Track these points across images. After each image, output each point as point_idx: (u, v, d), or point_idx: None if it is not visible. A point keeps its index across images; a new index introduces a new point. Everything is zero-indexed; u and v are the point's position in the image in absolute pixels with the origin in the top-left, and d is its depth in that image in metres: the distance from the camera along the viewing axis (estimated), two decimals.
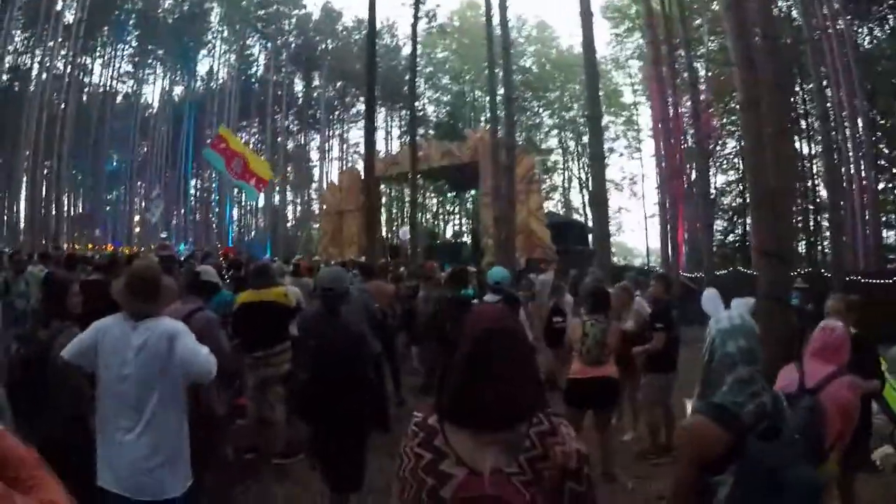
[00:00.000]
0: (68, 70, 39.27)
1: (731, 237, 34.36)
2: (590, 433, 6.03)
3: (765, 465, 2.12)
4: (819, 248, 30.45)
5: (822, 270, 19.60)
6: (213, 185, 50.09)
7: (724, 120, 33.46)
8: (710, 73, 31.94)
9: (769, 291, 7.57)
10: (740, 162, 31.86)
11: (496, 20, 20.58)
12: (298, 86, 56.18)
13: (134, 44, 48.61)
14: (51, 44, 36.99)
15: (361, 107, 52.81)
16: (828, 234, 27.45)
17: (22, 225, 38.04)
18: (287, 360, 6.51)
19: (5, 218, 40.23)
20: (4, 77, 32.56)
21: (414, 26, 24.60)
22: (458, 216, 52.17)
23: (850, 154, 25.26)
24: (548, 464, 1.68)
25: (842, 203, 23.60)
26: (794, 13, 27.97)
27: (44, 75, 36.27)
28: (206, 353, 3.45)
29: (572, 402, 6.05)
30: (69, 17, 38.91)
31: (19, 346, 4.23)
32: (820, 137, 26.48)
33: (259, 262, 8.84)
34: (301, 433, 6.69)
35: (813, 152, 30.36)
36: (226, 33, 52.32)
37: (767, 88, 8.89)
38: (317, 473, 5.63)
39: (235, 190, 36.71)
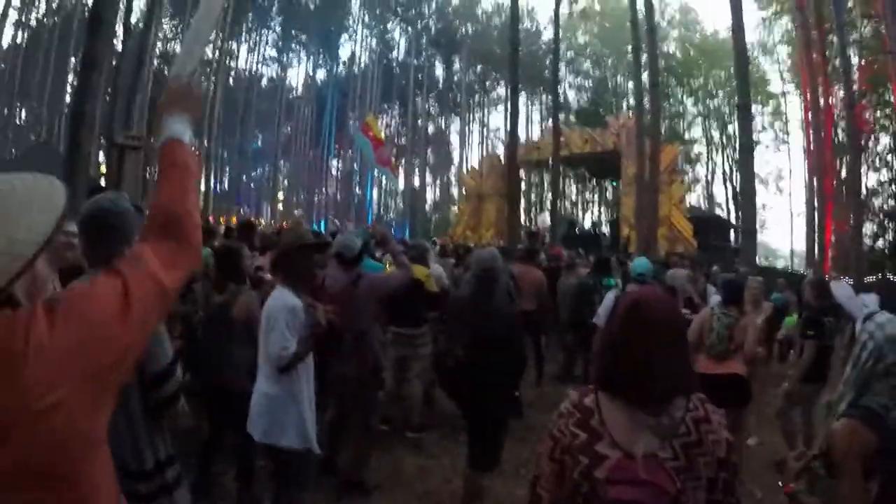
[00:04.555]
0: (216, 55, 41.10)
1: (880, 242, 31.84)
2: None
3: None
4: None
5: None
6: (355, 167, 51.34)
7: (878, 113, 30.94)
8: (863, 61, 29.68)
9: None
10: (895, 160, 29.53)
11: (639, 2, 20.07)
12: (439, 70, 56.64)
13: (278, 29, 50.45)
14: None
15: (502, 91, 52.84)
16: None
17: None
18: (428, 342, 6.65)
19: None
20: (156, 62, 34.31)
21: (556, 10, 24.36)
22: (597, 205, 51.21)
23: None
24: (702, 450, 1.72)
25: None
26: None
27: None
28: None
29: None
30: None
31: (196, 309, 4.67)
32: None
33: (415, 240, 9.02)
34: (437, 409, 6.87)
35: None
36: (367, 18, 53.43)
37: None
38: (448, 448, 5.74)
39: (375, 171, 37.66)
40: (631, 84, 36.60)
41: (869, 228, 29.58)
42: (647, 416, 1.74)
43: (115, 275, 1.25)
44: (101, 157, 18.11)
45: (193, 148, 1.66)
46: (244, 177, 50.23)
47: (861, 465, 2.16)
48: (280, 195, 50.43)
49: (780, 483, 5.78)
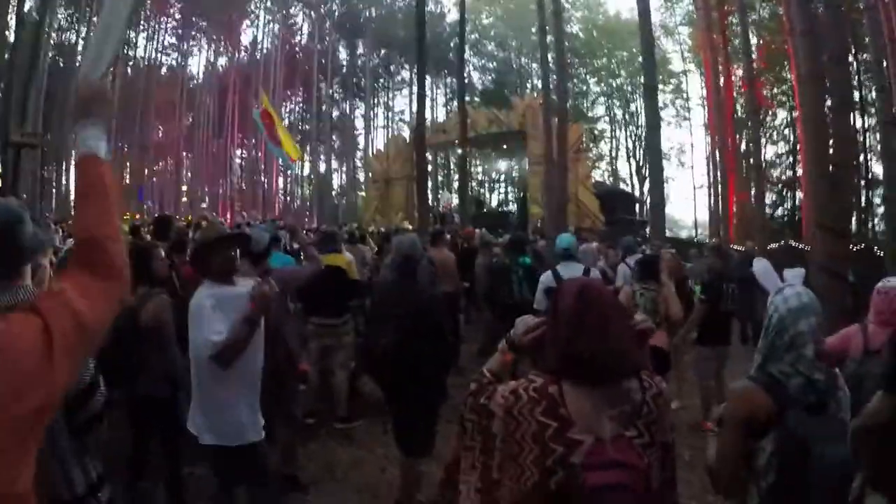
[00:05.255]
0: None
1: (780, 210, 33.55)
2: None
3: (800, 437, 2.16)
4: (870, 224, 29.52)
5: (875, 247, 18.98)
6: (258, 155, 50.26)
7: (775, 90, 32.48)
8: (760, 41, 30.98)
9: (826, 266, 7.41)
10: (791, 133, 31.03)
11: None
12: (343, 54, 55.87)
13: (177, 16, 48.79)
14: (95, 19, 37.21)
15: (406, 74, 52.67)
16: (881, 209, 26.69)
17: (72, 198, 38.64)
18: (350, 330, 6.58)
19: (54, 191, 40.87)
20: (50, 54, 32.63)
21: None
22: (504, 184, 51.66)
23: None
24: (660, 423, 1.82)
25: None
26: None
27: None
28: None
29: None
30: None
31: None
32: (874, 110, 25.57)
33: (326, 228, 8.85)
34: (363, 399, 6.83)
35: (867, 125, 29.23)
36: (269, 3, 52.28)
37: (829, 60, 8.65)
38: (380, 438, 5.71)
39: (280, 159, 36.95)
40: (535, 65, 36.95)
41: (769, 198, 31.00)
42: (608, 406, 1.78)
43: (33, 313, 1.13)
44: None
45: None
46: (146, 171, 48.38)
47: (749, 425, 2.27)
48: (184, 188, 48.97)
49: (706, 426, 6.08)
